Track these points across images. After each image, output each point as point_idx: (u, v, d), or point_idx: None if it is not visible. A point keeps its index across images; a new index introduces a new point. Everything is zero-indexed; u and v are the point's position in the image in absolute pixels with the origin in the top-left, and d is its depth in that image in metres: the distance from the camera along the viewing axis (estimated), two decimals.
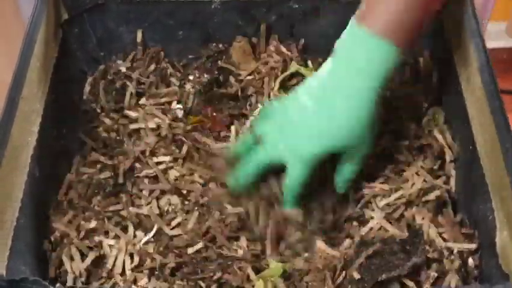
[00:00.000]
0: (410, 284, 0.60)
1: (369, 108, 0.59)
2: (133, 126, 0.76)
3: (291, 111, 0.62)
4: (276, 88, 0.78)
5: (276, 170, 0.63)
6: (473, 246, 0.64)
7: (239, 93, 0.79)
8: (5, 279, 0.49)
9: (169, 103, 0.78)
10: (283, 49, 0.81)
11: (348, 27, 0.61)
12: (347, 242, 0.65)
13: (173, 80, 0.81)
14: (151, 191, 0.70)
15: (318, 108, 0.60)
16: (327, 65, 0.62)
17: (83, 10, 0.77)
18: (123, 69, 0.81)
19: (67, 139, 0.72)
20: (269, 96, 0.78)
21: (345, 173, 0.64)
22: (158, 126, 0.75)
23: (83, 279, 0.62)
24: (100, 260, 0.64)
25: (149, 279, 0.62)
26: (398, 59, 0.60)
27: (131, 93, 0.78)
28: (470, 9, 0.69)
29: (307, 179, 0.61)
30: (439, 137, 0.73)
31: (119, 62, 0.82)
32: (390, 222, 0.65)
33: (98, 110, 0.78)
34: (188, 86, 0.80)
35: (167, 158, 0.72)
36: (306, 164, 0.60)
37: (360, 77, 0.59)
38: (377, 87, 0.59)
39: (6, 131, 0.58)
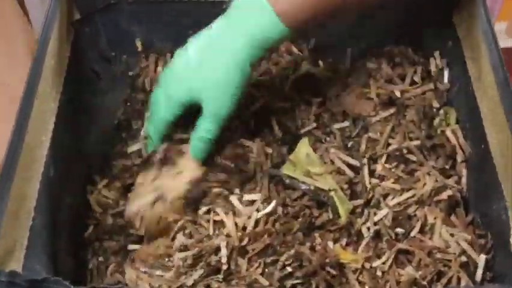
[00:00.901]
0: (423, 283, 0.61)
1: (242, 69, 0.64)
2: None
3: (177, 59, 0.68)
4: (287, 88, 0.78)
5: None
6: (486, 245, 0.64)
7: None
8: (26, 279, 0.48)
9: None
10: (295, 49, 0.81)
11: None
12: None
13: None
14: None
15: (197, 58, 0.65)
16: (218, 22, 0.66)
17: (95, 10, 0.77)
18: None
19: (81, 139, 0.73)
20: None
21: (200, 129, 0.66)
22: None
23: None
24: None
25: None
26: (285, 37, 0.64)
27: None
28: (482, 9, 0.69)
29: (170, 117, 0.68)
30: (451, 136, 0.73)
31: (131, 73, 0.82)
32: None
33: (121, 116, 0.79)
34: None
35: None
36: (171, 102, 0.67)
37: (242, 41, 0.63)
38: (256, 54, 0.64)
39: (22, 130, 0.58)
